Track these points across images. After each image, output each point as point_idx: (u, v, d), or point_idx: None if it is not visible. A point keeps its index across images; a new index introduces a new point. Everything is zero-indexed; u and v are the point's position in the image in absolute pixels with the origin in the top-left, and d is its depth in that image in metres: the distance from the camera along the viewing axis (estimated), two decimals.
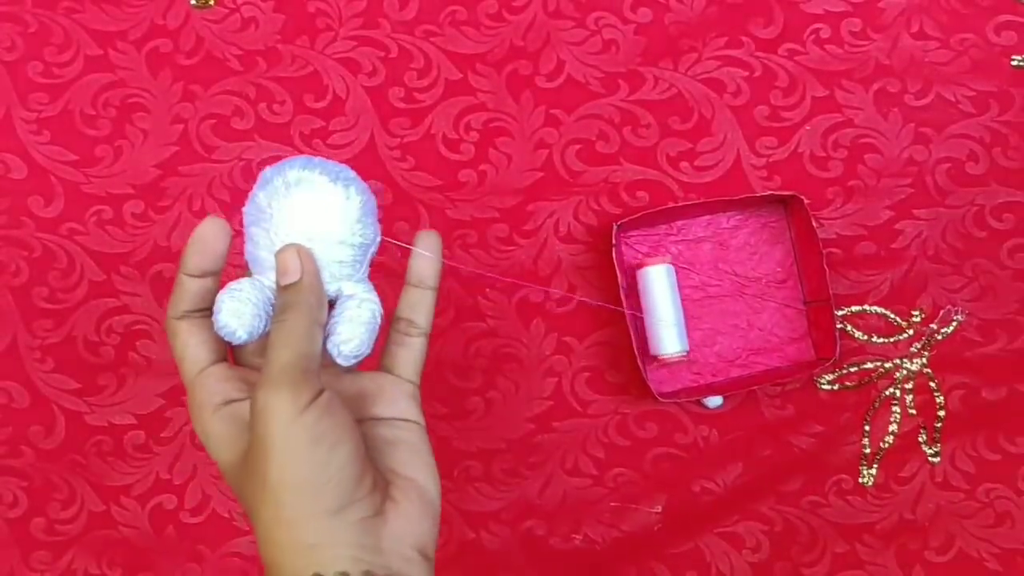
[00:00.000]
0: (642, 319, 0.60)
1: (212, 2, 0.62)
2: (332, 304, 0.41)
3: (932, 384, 0.60)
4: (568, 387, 0.61)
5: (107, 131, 0.62)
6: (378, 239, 0.41)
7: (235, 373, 0.40)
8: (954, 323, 0.60)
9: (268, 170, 0.40)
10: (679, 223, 0.61)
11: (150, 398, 0.61)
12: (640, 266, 0.59)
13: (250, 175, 0.61)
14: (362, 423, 0.41)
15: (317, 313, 0.39)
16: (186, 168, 0.61)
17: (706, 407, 0.60)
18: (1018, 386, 0.60)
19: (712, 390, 0.59)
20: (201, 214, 0.61)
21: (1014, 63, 0.61)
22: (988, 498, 0.59)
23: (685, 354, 0.58)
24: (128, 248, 0.61)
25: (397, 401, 0.42)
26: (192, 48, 0.62)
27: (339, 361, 0.40)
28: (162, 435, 0.60)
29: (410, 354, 0.43)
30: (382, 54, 0.62)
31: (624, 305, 0.57)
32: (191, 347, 0.40)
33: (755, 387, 0.59)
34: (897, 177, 0.61)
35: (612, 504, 0.60)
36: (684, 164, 0.61)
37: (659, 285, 0.58)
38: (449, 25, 0.62)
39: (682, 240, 0.61)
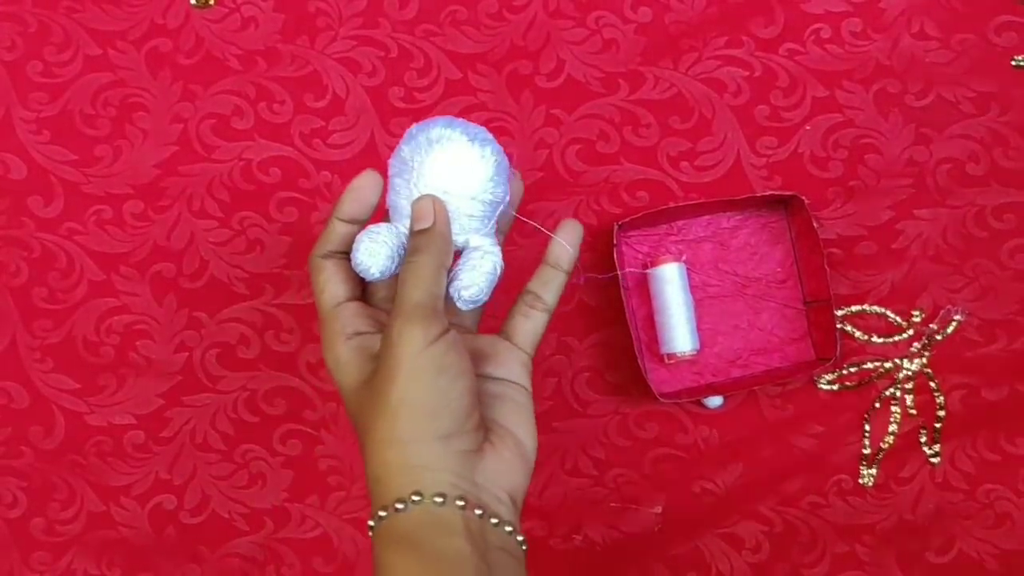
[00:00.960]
0: (642, 319, 0.60)
1: (212, 1, 0.62)
2: (459, 254, 0.44)
3: (932, 384, 0.60)
4: (568, 387, 0.61)
5: (107, 131, 0.62)
6: (507, 198, 0.45)
7: (366, 311, 0.44)
8: (954, 323, 0.60)
9: (414, 127, 0.44)
10: (680, 223, 0.61)
11: (150, 398, 0.60)
12: (651, 265, 0.59)
13: (250, 175, 0.61)
14: (478, 377, 0.44)
15: (444, 258, 0.42)
16: (186, 168, 0.61)
17: (706, 407, 0.60)
18: (1018, 386, 0.60)
19: (712, 390, 0.59)
20: (201, 214, 0.61)
21: (1014, 63, 0.61)
22: (988, 499, 0.59)
23: (696, 352, 0.59)
24: (128, 248, 0.61)
25: (510, 365, 0.45)
26: (192, 48, 0.62)
27: (459, 304, 0.43)
28: (162, 435, 0.60)
29: (531, 326, 0.46)
30: (382, 54, 0.62)
31: (625, 306, 0.57)
32: (332, 283, 0.44)
33: (755, 387, 0.59)
34: (898, 177, 0.61)
35: (612, 505, 0.60)
36: (684, 164, 0.61)
37: (672, 284, 0.58)
38: (449, 25, 0.62)
39: (683, 240, 0.61)
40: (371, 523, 0.40)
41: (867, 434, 0.60)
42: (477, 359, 0.45)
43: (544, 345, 0.61)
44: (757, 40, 0.62)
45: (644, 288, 0.60)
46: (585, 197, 0.61)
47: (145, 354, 0.61)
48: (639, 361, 0.57)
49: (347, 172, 0.61)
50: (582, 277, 0.60)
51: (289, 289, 0.61)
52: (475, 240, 0.44)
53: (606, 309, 0.61)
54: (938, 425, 0.59)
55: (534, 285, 0.47)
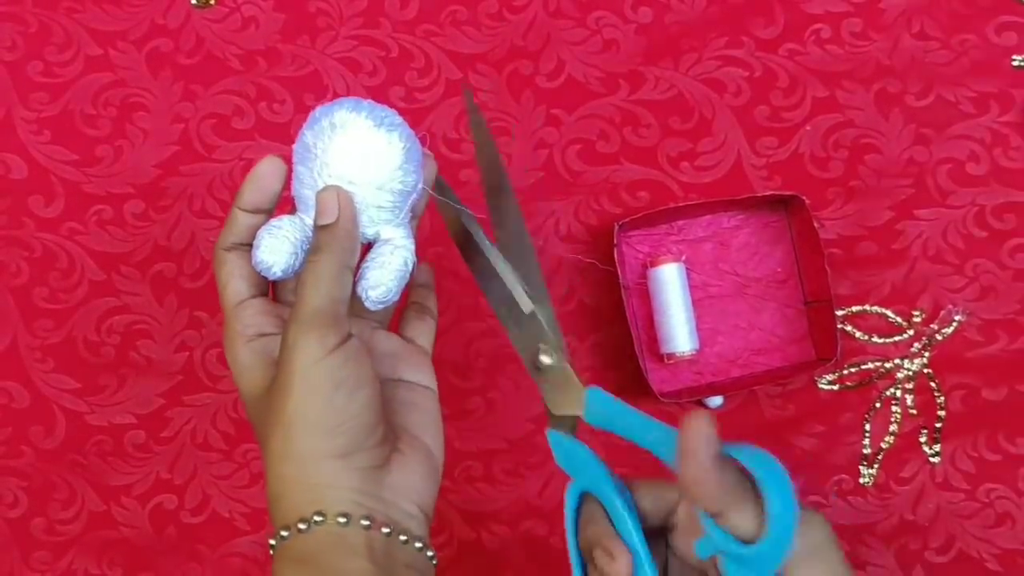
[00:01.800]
0: (643, 319, 0.60)
1: (212, 1, 0.62)
2: (371, 246, 0.41)
3: (933, 384, 0.60)
4: None
5: (107, 131, 0.62)
6: (420, 185, 0.42)
7: (272, 308, 0.42)
8: (955, 323, 0.60)
9: (318, 110, 0.41)
10: (680, 223, 0.61)
11: (150, 398, 0.60)
12: (651, 265, 0.59)
13: None
14: (385, 381, 0.42)
15: (348, 257, 0.39)
16: (186, 168, 0.61)
17: (707, 407, 0.60)
18: (1019, 386, 0.60)
19: (713, 390, 0.59)
20: (201, 214, 0.61)
21: (1015, 63, 0.61)
22: (988, 498, 0.59)
23: (696, 352, 0.59)
24: (128, 248, 0.61)
25: (420, 367, 0.44)
26: (192, 48, 0.62)
27: (367, 305, 0.40)
28: (162, 435, 0.60)
29: (426, 327, 0.46)
30: (382, 54, 0.62)
31: (626, 306, 0.57)
32: (234, 278, 0.41)
33: (756, 387, 0.59)
34: (898, 177, 0.61)
35: None
36: (684, 164, 0.61)
37: (672, 284, 0.58)
38: (450, 25, 0.62)
39: (683, 240, 0.61)
40: (272, 542, 0.38)
41: (867, 434, 0.60)
42: (388, 360, 0.43)
43: None
44: (757, 40, 0.62)
45: (644, 288, 0.60)
46: (585, 197, 0.61)
47: (146, 354, 0.61)
48: (639, 361, 0.57)
49: None
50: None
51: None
52: (386, 232, 0.41)
53: (606, 309, 0.61)
54: (938, 425, 0.59)
55: (417, 296, 0.47)
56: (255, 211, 0.41)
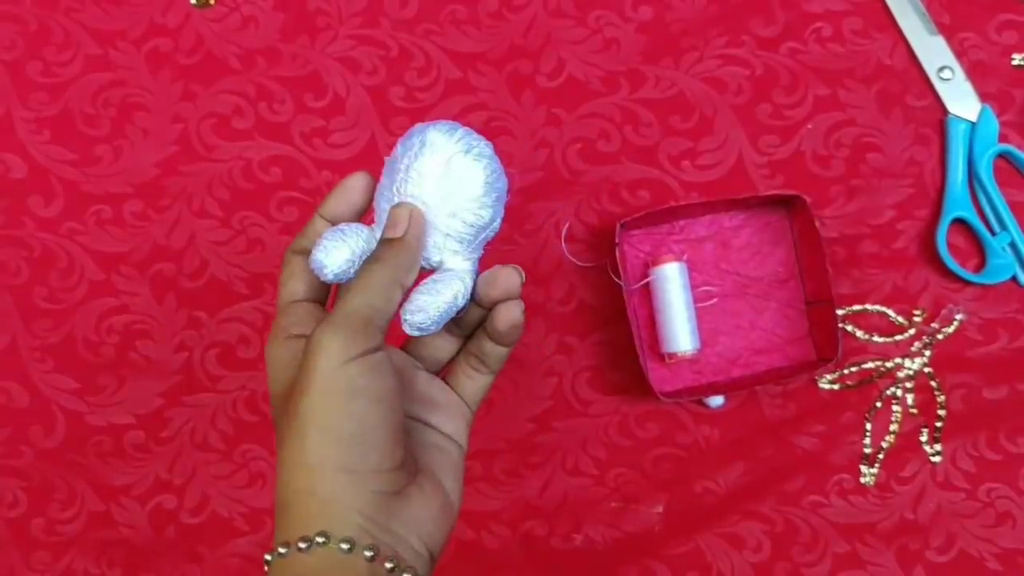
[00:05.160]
0: (644, 318, 0.60)
1: (212, 1, 0.62)
2: (432, 272, 0.41)
3: (933, 383, 0.60)
4: (568, 387, 0.60)
5: (107, 130, 0.62)
6: (496, 223, 0.41)
7: (322, 315, 0.41)
8: (955, 322, 0.60)
9: (418, 126, 0.41)
10: (681, 222, 0.61)
11: (150, 398, 0.60)
12: (652, 264, 0.59)
13: (250, 174, 0.61)
14: (414, 421, 0.42)
15: (403, 274, 0.39)
16: (186, 167, 0.61)
17: (707, 407, 0.60)
18: (1019, 385, 0.59)
19: (714, 390, 0.59)
20: (201, 213, 0.61)
21: (1014, 62, 0.61)
22: (989, 498, 0.59)
23: (697, 351, 0.58)
24: (128, 247, 0.61)
25: (455, 420, 0.43)
26: (192, 47, 0.62)
27: (404, 328, 0.39)
28: (162, 435, 0.60)
29: (478, 386, 0.43)
30: (382, 53, 0.62)
31: (627, 305, 0.57)
32: (293, 279, 0.41)
33: (756, 387, 0.59)
34: (899, 177, 0.61)
35: (613, 504, 0.60)
36: (685, 163, 0.61)
37: (673, 283, 0.58)
38: (449, 24, 0.62)
39: (684, 239, 0.61)
40: (268, 557, 0.36)
41: (868, 433, 0.60)
42: (426, 405, 0.42)
43: (544, 345, 0.61)
44: (758, 39, 0.62)
45: (645, 287, 0.60)
46: (586, 196, 0.61)
47: (145, 354, 0.61)
48: (640, 360, 0.57)
49: (348, 171, 0.61)
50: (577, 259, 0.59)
51: None
52: (450, 261, 0.40)
53: (607, 308, 0.61)
54: (939, 424, 0.59)
55: (475, 348, 0.43)
56: (334, 221, 0.41)
